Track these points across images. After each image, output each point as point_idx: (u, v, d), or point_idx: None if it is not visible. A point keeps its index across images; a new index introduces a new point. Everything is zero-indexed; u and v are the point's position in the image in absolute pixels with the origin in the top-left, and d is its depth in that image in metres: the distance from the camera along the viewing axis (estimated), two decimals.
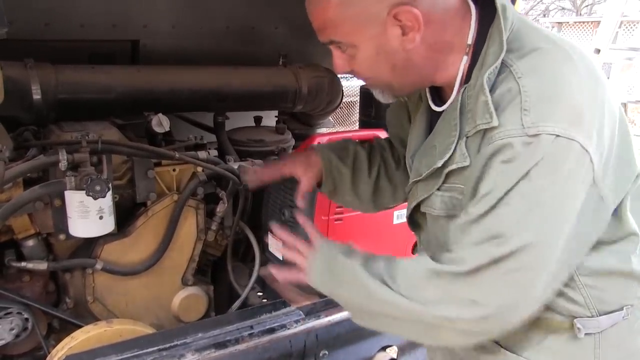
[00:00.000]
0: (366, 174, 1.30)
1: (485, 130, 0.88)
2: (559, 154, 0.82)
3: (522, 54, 0.89)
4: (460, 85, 0.97)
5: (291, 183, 1.80)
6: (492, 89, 0.88)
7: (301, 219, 1.19)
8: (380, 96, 1.07)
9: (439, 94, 1.06)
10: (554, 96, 0.84)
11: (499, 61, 0.88)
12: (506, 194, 0.84)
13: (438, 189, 0.99)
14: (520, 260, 0.84)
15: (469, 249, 0.87)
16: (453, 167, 0.94)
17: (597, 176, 0.87)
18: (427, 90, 1.09)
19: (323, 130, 2.72)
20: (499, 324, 0.89)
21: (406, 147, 1.25)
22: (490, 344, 1.04)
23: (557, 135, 0.82)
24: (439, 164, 0.96)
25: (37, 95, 1.71)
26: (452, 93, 0.99)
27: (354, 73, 1.02)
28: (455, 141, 0.93)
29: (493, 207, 0.85)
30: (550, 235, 0.85)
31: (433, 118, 1.07)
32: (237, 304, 1.94)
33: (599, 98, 0.88)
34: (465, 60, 0.96)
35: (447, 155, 0.94)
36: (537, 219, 0.84)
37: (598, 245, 0.96)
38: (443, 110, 1.01)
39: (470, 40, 0.96)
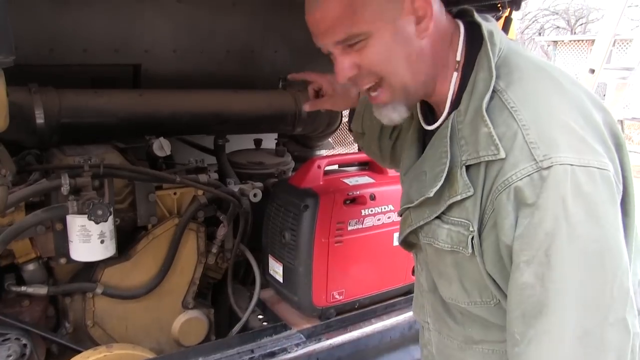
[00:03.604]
0: (388, 135, 1.35)
1: (489, 163, 0.86)
2: (585, 182, 0.79)
3: (510, 81, 0.89)
4: (451, 105, 0.97)
5: (291, 206, 1.82)
6: None
7: None
8: (390, 113, 0.99)
9: (431, 112, 1.05)
10: (554, 126, 0.82)
11: (491, 89, 0.88)
12: (567, 253, 0.79)
13: (439, 218, 0.96)
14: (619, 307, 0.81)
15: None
16: (457, 198, 0.90)
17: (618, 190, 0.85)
18: (419, 108, 1.08)
19: (323, 152, 2.74)
20: None
21: (376, 146, 1.38)
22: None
23: (572, 165, 0.79)
24: (430, 194, 0.93)
25: (40, 120, 1.73)
26: (442, 113, 0.98)
27: (364, 73, 0.94)
28: (446, 169, 0.91)
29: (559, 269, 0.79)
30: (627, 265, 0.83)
31: (426, 138, 1.07)
32: (237, 327, 1.93)
33: (598, 120, 0.87)
34: (455, 77, 0.96)
35: (439, 184, 0.92)
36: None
37: None
38: (434, 131, 1.00)
39: (459, 57, 0.96)
